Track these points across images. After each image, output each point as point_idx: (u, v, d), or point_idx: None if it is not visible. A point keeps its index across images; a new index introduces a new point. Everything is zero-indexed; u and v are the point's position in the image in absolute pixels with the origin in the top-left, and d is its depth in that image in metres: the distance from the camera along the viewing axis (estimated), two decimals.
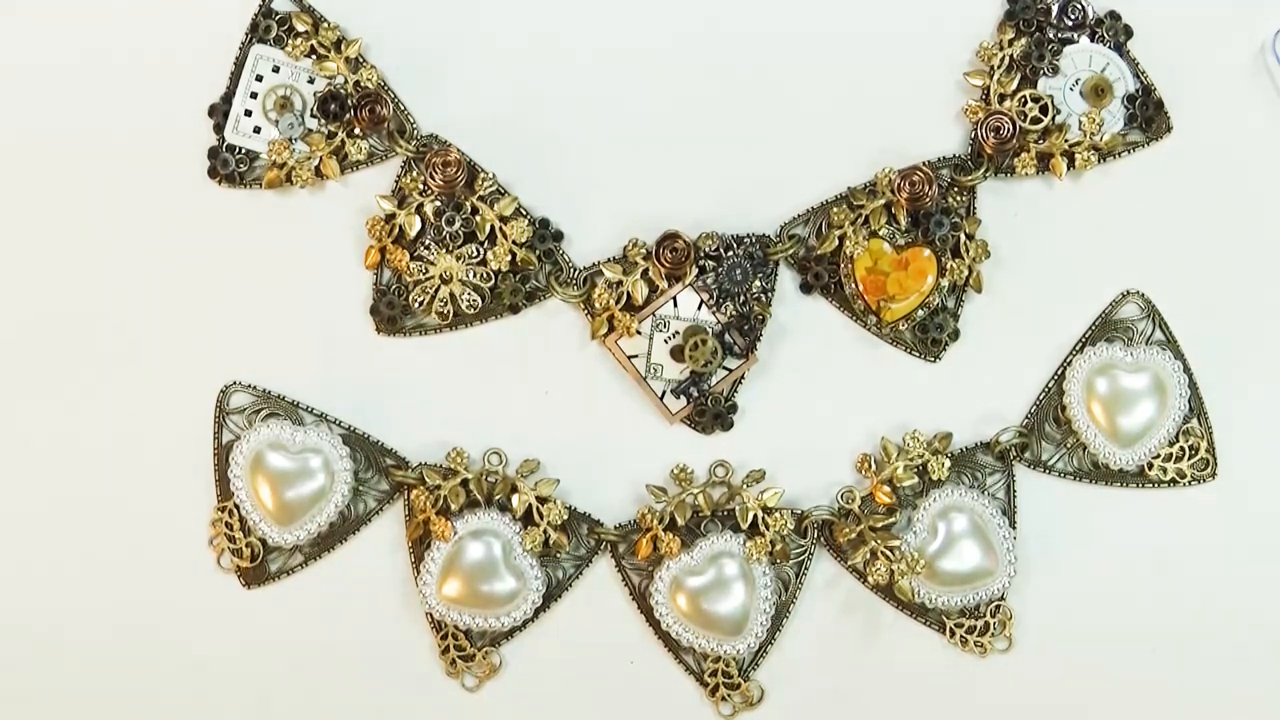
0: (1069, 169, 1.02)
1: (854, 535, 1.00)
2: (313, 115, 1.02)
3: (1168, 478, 1.01)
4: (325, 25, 1.03)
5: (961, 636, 1.00)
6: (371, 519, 1.01)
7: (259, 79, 1.02)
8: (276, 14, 1.03)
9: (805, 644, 1.01)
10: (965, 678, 1.01)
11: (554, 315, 1.02)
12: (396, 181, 1.02)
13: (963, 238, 1.01)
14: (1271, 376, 1.03)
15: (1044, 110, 1.02)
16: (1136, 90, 1.03)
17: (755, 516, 0.99)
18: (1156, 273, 1.03)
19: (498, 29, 1.04)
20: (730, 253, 1.01)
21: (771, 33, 1.04)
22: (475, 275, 1.01)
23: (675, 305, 1.01)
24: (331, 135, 1.02)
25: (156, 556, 1.01)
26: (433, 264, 1.01)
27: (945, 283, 1.01)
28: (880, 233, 1.01)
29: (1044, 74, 1.03)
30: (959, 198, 1.02)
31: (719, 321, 1.01)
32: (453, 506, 0.99)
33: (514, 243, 1.01)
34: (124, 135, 1.03)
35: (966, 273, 1.01)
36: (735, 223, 1.02)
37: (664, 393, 1.01)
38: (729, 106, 1.03)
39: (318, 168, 1.02)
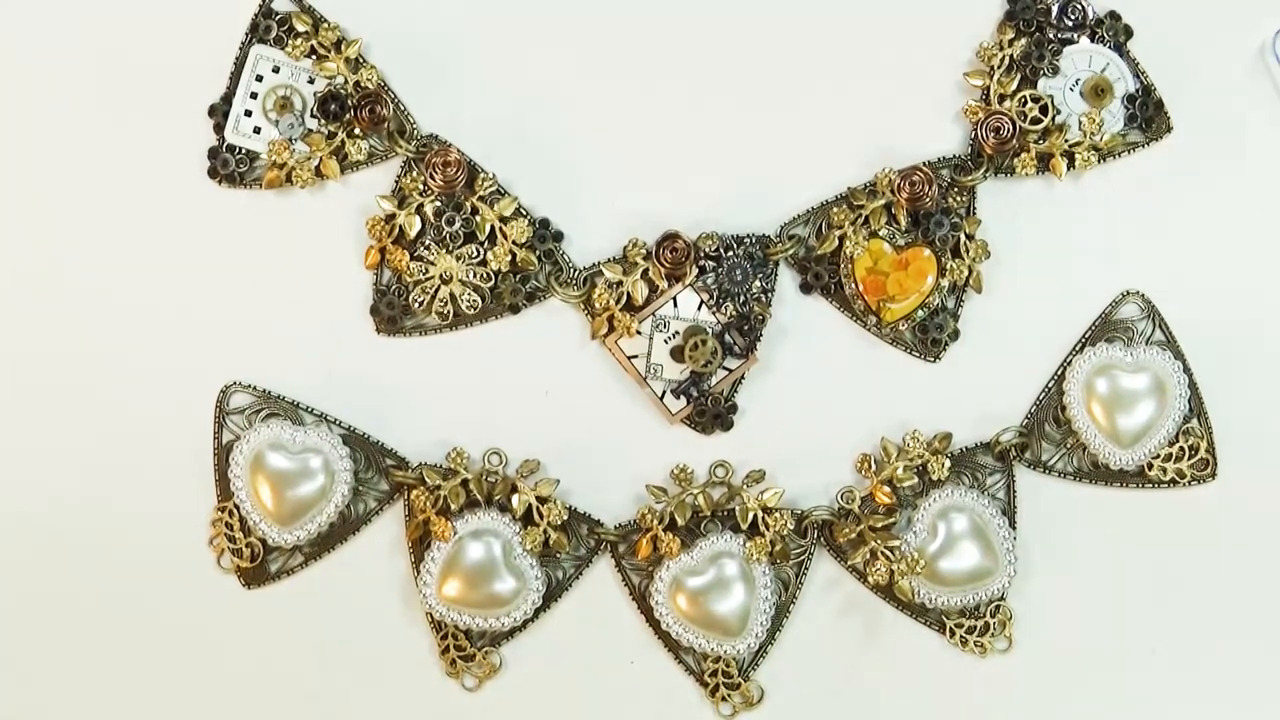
0: (1069, 169, 1.02)
1: (854, 535, 1.00)
2: (313, 115, 1.02)
3: (1168, 478, 1.01)
4: (325, 25, 1.03)
5: (961, 636, 1.00)
6: (371, 519, 1.01)
7: (259, 79, 1.02)
8: (276, 14, 1.03)
9: (805, 644, 1.01)
10: (965, 678, 1.01)
11: (554, 315, 1.02)
12: (396, 181, 1.02)
13: (963, 238, 1.01)
14: (1271, 376, 1.03)
15: (1044, 110, 1.02)
16: (1136, 90, 1.03)
17: (755, 516, 0.99)
18: (1156, 273, 1.03)
19: (498, 29, 1.04)
20: (730, 253, 1.01)
21: (771, 33, 1.04)
22: (475, 275, 1.01)
23: (675, 305, 1.01)
24: (331, 135, 1.02)
25: (156, 556, 1.01)
26: (433, 264, 1.01)
27: (945, 283, 1.01)
28: (880, 233, 1.01)
29: (1044, 74, 1.03)
30: (959, 198, 1.02)
31: (719, 322, 1.01)
32: (453, 506, 0.99)
33: (514, 243, 1.01)
34: (124, 135, 1.03)
35: (966, 273, 1.01)
36: (735, 223, 1.02)
37: (664, 393, 1.01)
38: (729, 106, 1.03)
39: (318, 168, 1.02)
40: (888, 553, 0.99)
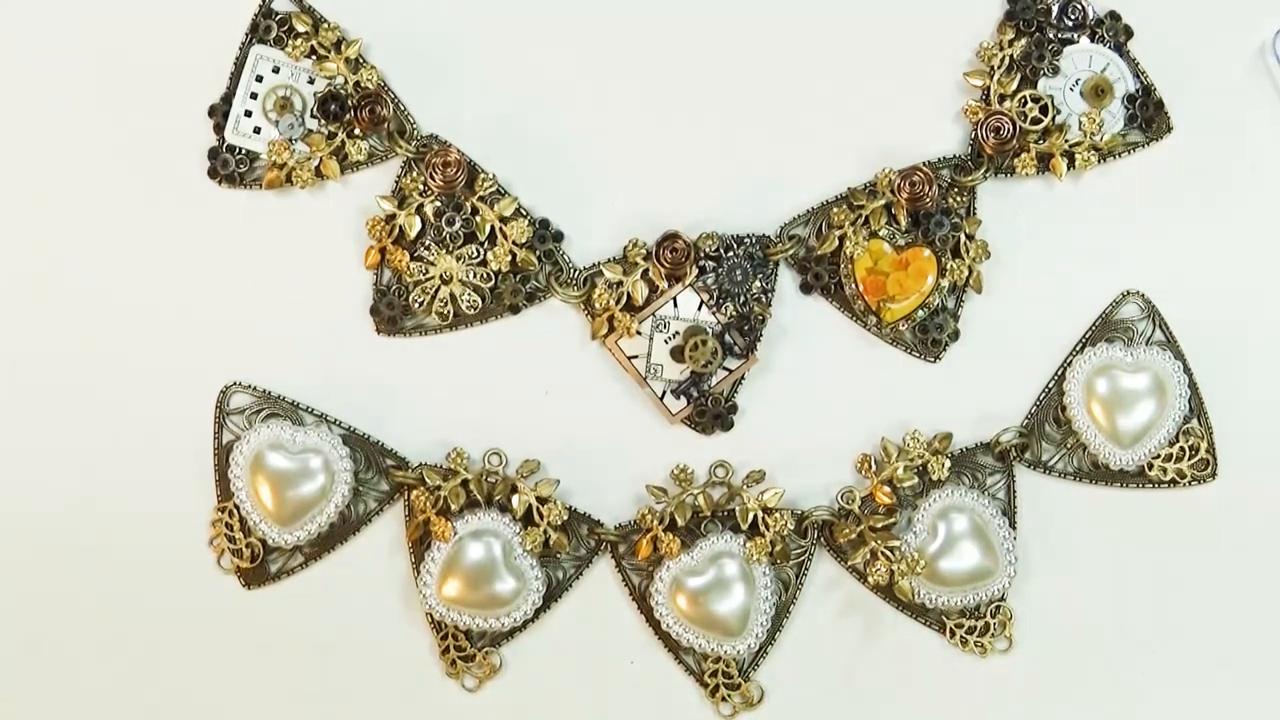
0: (1069, 169, 1.02)
1: (854, 535, 1.00)
2: (313, 116, 1.02)
3: (1168, 478, 1.01)
4: (325, 26, 1.03)
5: (961, 637, 1.00)
6: (371, 519, 1.01)
7: (259, 79, 1.02)
8: (276, 14, 1.03)
9: (805, 644, 1.01)
10: (965, 678, 1.01)
11: (554, 315, 1.02)
12: (396, 182, 1.02)
13: (963, 238, 1.01)
14: (1271, 376, 1.03)
15: (1044, 110, 1.02)
16: (1136, 90, 1.03)
17: (755, 517, 0.99)
18: (1156, 273, 1.03)
19: (498, 29, 1.04)
20: (730, 253, 1.01)
21: (771, 33, 1.04)
22: (475, 275, 1.01)
23: (675, 306, 1.01)
24: (331, 136, 1.02)
25: (156, 556, 1.01)
26: (433, 264, 1.01)
27: (945, 283, 1.01)
28: (880, 233, 1.01)
29: (1044, 74, 1.03)
30: (959, 198, 1.02)
31: (719, 322, 1.01)
32: (453, 507, 0.99)
33: (514, 243, 1.01)
34: (124, 135, 1.03)
35: (966, 273, 1.01)
36: (735, 223, 1.02)
37: (664, 393, 1.01)
38: (729, 106, 1.03)
39: (318, 168, 1.02)
40: (888, 553, 0.99)
